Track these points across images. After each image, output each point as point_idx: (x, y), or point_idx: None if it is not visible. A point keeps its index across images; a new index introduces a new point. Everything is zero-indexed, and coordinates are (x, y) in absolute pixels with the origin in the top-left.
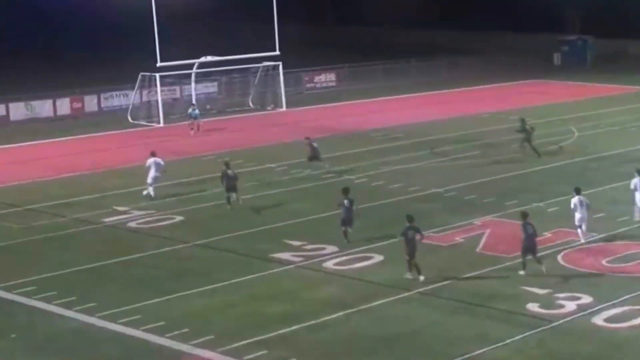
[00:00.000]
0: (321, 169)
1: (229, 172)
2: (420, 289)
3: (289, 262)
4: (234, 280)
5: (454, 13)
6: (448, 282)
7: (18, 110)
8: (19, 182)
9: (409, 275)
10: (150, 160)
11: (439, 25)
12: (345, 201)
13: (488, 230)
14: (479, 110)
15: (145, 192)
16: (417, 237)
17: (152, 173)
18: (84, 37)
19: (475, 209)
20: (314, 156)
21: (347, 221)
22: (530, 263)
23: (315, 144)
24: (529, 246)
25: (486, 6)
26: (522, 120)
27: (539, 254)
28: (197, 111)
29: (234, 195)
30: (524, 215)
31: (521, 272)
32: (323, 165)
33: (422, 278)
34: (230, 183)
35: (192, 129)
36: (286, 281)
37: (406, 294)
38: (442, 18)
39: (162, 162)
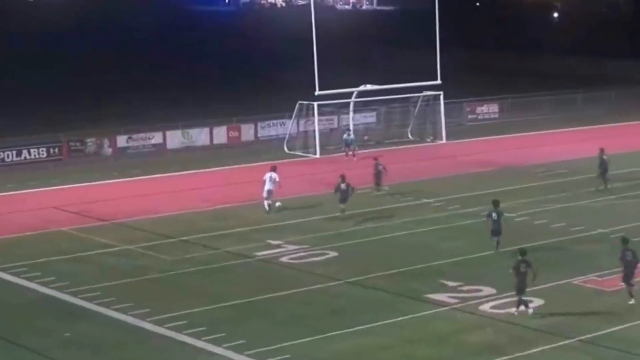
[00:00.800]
0: (382, 191)
1: (342, 185)
2: (582, 337)
3: (443, 304)
4: (386, 321)
5: (622, 40)
6: (611, 330)
7: (175, 138)
8: (173, 212)
9: (514, 312)
10: (267, 175)
11: (608, 53)
12: (494, 213)
13: None
14: None
15: (277, 204)
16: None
17: (266, 186)
18: (241, 64)
19: None
20: (378, 180)
21: (496, 232)
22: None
23: (380, 167)
24: (628, 273)
25: None
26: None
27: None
28: (352, 136)
29: (341, 206)
30: (625, 241)
31: (630, 302)
32: (383, 188)
33: (530, 311)
34: (343, 196)
35: (346, 154)
36: (440, 323)
37: (566, 342)
38: (611, 46)
39: (277, 179)
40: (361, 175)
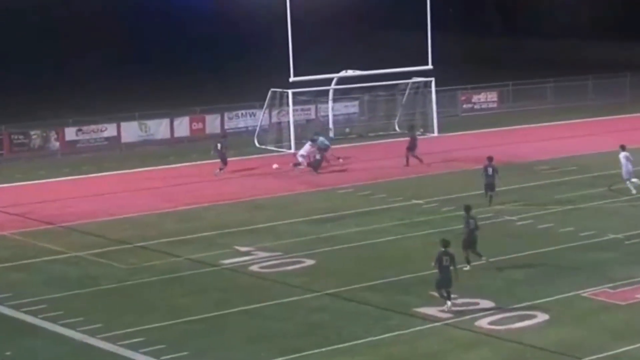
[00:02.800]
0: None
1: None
2: (592, 356)
3: (435, 319)
4: (370, 339)
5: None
6: (625, 349)
7: (130, 131)
8: (129, 214)
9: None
10: (622, 155)
11: (622, 37)
12: (489, 168)
13: None
14: None
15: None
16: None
17: (627, 168)
18: (205, 48)
19: None
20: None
21: (489, 186)
22: None
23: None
24: (470, 241)
25: None
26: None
27: None
28: (327, 142)
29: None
30: (468, 209)
31: (466, 267)
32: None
33: (449, 303)
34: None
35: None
36: (431, 342)
37: None
38: (623, 30)
39: (631, 157)
40: (343, 173)
